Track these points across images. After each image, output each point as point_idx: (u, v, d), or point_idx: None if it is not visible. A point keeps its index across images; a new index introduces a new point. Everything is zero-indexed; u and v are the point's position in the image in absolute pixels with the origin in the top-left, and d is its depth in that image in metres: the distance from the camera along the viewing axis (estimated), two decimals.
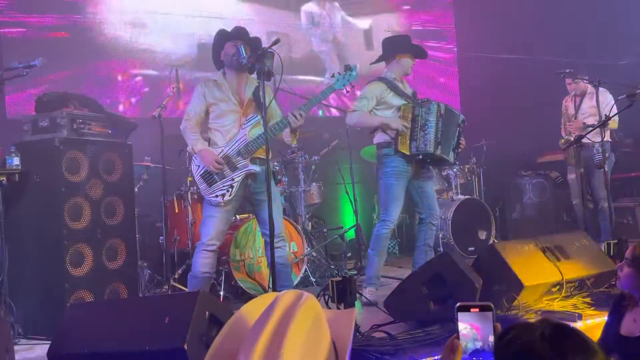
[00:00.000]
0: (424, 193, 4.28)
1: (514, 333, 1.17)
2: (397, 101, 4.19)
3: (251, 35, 3.78)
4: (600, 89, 5.01)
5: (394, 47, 4.34)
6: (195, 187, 4.77)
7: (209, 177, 3.59)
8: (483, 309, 1.45)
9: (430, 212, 4.28)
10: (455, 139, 4.25)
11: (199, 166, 3.62)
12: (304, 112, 3.54)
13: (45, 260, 3.52)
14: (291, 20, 6.96)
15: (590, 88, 5.31)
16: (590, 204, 5.47)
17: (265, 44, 3.58)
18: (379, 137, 4.25)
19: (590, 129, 4.88)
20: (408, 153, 4.07)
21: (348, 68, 3.67)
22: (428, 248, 4.29)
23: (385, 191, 4.20)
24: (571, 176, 5.66)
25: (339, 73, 3.70)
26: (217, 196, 3.57)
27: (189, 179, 4.72)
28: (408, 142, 4.07)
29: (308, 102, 3.68)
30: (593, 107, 5.22)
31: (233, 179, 3.58)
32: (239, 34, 3.74)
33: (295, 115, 3.50)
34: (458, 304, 1.44)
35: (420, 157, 4.10)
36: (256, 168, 3.57)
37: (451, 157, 4.22)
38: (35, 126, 3.66)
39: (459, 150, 4.33)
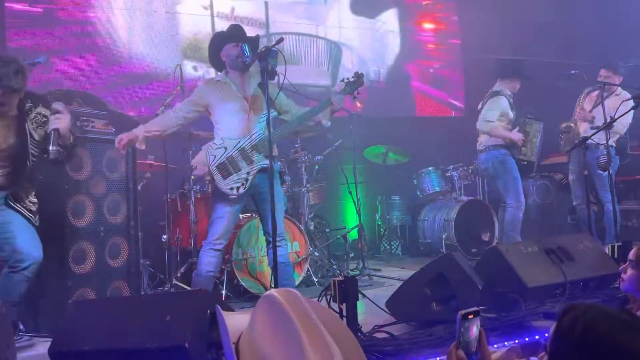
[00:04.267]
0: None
1: (574, 313, 1.15)
2: (513, 114, 5.26)
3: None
4: (627, 95, 5.18)
5: (514, 69, 5.41)
6: (198, 186, 4.78)
7: (225, 169, 3.61)
8: (475, 314, 1.47)
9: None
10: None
11: (215, 156, 3.63)
12: (313, 115, 3.75)
13: (48, 257, 3.51)
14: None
15: (620, 91, 5.36)
16: (594, 206, 5.46)
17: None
18: (495, 141, 5.29)
19: (595, 130, 4.86)
20: (517, 157, 5.21)
21: (358, 76, 3.83)
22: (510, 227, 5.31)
23: (515, 182, 5.25)
24: (571, 177, 5.68)
25: (348, 79, 3.81)
26: (232, 188, 3.58)
27: (192, 177, 4.71)
28: (520, 148, 5.19)
29: (317, 106, 3.73)
30: (613, 108, 5.23)
31: (248, 173, 3.60)
32: (238, 34, 3.76)
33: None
34: (462, 312, 1.45)
35: (525, 162, 5.22)
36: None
37: (534, 169, 5.46)
38: None
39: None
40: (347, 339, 1.33)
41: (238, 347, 1.30)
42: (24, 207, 3.23)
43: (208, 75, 5.87)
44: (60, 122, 3.14)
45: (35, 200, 3.32)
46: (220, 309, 1.41)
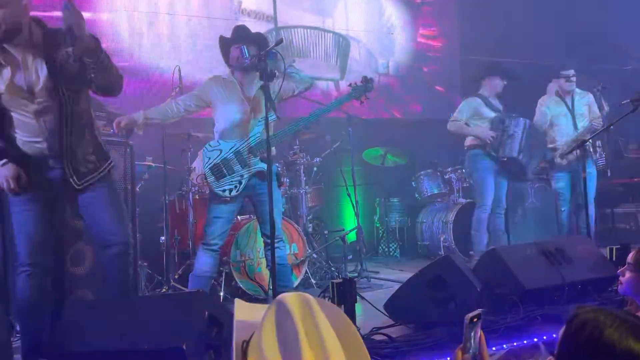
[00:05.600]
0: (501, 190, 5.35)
1: (584, 316, 1.15)
2: (489, 114, 5.21)
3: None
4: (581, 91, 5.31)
5: (489, 69, 5.40)
6: (196, 188, 4.78)
7: (218, 171, 3.62)
8: (478, 317, 1.46)
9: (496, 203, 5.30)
10: (539, 157, 5.29)
11: (209, 158, 3.64)
12: (315, 118, 3.81)
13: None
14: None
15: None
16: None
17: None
18: (472, 141, 5.28)
19: (596, 133, 4.87)
20: (495, 155, 5.14)
21: (366, 80, 3.82)
22: (500, 232, 5.32)
23: (481, 183, 5.27)
24: (560, 184, 5.39)
25: (356, 83, 3.80)
26: (224, 190, 3.59)
27: (190, 178, 4.71)
28: (496, 147, 5.12)
29: (321, 109, 3.74)
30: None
31: (242, 175, 3.61)
32: (240, 35, 3.78)
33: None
34: (469, 316, 1.44)
35: (505, 159, 5.10)
36: (265, 167, 3.58)
37: (530, 174, 5.32)
38: None
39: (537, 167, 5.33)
40: (355, 346, 1.34)
41: (248, 346, 1.31)
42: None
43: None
44: (72, 17, 2.57)
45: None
46: (239, 302, 1.42)
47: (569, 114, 5.30)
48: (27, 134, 2.72)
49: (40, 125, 2.70)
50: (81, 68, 2.66)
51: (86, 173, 2.79)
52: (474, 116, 5.25)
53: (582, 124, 5.26)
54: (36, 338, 2.72)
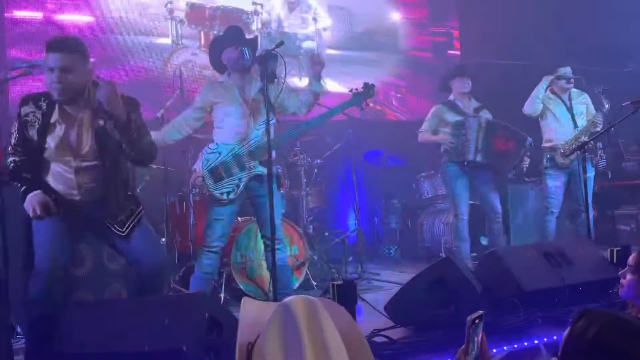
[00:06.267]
0: (477, 193, 5.20)
1: (588, 318, 1.15)
2: (453, 118, 5.00)
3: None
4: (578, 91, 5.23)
5: (448, 73, 5.27)
6: (197, 189, 4.77)
7: (217, 174, 3.61)
8: (480, 319, 1.45)
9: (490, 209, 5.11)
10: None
11: (208, 160, 3.64)
12: (316, 124, 3.83)
13: None
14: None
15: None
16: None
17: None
18: (442, 149, 5.12)
19: (596, 135, 4.87)
20: (459, 160, 4.94)
21: (367, 86, 3.78)
22: (500, 237, 5.11)
23: (449, 191, 5.23)
24: (556, 183, 5.19)
25: (357, 89, 3.76)
26: (222, 193, 3.59)
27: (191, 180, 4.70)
28: (459, 151, 4.91)
29: (322, 115, 3.73)
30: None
31: (240, 179, 3.60)
32: (237, 36, 3.77)
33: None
34: (471, 317, 1.44)
35: (466, 163, 4.91)
36: (264, 170, 3.57)
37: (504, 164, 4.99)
38: None
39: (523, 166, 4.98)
40: (361, 349, 1.33)
41: (253, 349, 1.30)
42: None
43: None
44: (100, 91, 2.71)
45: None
46: (246, 301, 1.41)
47: (568, 113, 5.21)
48: (63, 186, 2.82)
49: (78, 181, 2.82)
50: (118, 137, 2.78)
51: (124, 220, 2.89)
52: (440, 123, 5.10)
53: (581, 122, 5.22)
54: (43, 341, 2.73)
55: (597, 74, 5.51)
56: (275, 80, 3.51)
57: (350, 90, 3.85)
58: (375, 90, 3.88)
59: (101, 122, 2.76)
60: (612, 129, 4.62)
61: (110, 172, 2.84)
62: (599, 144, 5.35)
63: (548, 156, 5.21)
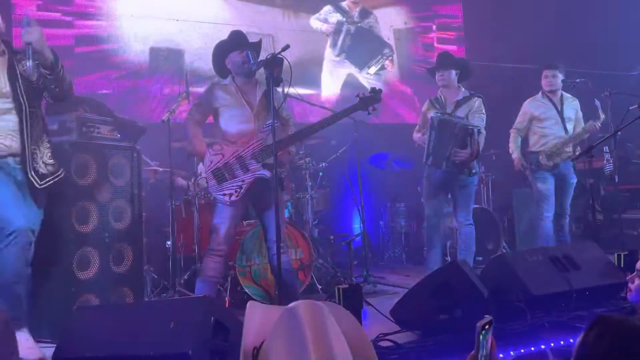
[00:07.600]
0: (454, 199, 4.69)
1: (602, 327, 1.14)
2: (435, 115, 4.55)
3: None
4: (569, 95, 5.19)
5: (430, 69, 4.89)
6: (202, 193, 4.78)
7: (220, 175, 3.62)
8: (490, 324, 1.44)
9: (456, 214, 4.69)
10: (449, 148, 4.39)
11: (211, 162, 3.64)
12: (321, 128, 3.73)
13: (51, 263, 3.51)
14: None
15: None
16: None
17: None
18: None
19: (602, 140, 4.86)
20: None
21: (374, 91, 3.76)
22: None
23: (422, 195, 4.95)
24: (546, 186, 5.11)
25: (364, 94, 3.77)
26: (224, 195, 3.59)
27: (191, 181, 4.71)
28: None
29: (327, 119, 3.73)
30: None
31: (243, 181, 3.60)
32: (241, 40, 3.78)
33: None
34: (481, 323, 1.42)
35: (428, 166, 4.59)
36: (267, 173, 3.58)
37: (444, 165, 4.45)
38: None
39: (457, 159, 4.39)
40: (366, 353, 1.33)
41: (259, 353, 1.30)
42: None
43: None
44: (31, 34, 2.89)
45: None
46: (252, 305, 1.41)
47: (558, 116, 5.16)
48: None
49: (2, 124, 3.01)
50: (38, 78, 3.04)
51: (46, 175, 3.12)
52: (425, 120, 4.70)
53: (569, 127, 5.16)
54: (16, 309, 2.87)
55: (603, 77, 5.48)
56: (281, 84, 3.51)
57: (357, 95, 3.84)
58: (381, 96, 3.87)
59: (29, 62, 2.91)
60: (619, 132, 4.61)
61: (30, 112, 3.05)
62: (605, 148, 5.34)
63: (534, 159, 5.17)
